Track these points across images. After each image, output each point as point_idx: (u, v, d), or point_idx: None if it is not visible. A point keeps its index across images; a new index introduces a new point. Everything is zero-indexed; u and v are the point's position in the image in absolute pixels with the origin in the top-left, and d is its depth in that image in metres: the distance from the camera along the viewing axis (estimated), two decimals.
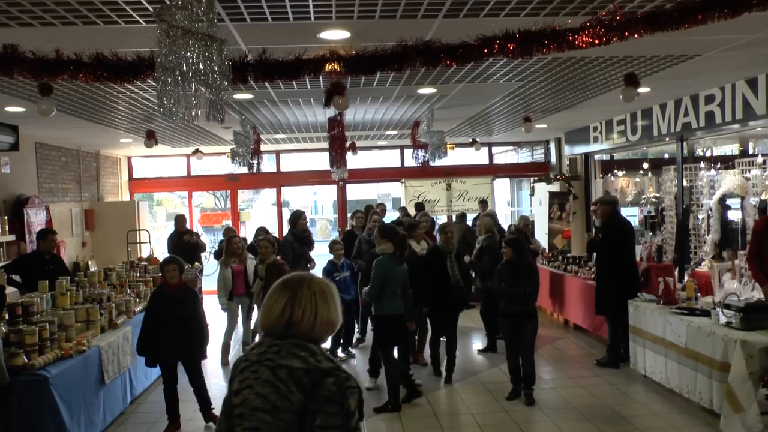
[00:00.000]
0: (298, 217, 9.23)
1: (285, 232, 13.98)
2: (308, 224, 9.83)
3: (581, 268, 9.70)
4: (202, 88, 3.20)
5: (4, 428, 5.06)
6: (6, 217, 9.22)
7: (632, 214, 13.76)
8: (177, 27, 3.06)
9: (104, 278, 8.20)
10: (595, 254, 8.51)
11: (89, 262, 12.06)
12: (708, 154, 11.84)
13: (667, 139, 10.02)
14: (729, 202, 9.25)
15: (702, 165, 9.80)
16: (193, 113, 3.23)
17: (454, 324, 7.62)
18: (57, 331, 5.78)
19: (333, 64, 4.57)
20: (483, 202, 13.51)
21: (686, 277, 8.49)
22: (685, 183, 9.94)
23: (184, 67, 3.09)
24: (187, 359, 6.05)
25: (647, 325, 6.94)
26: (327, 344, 8.41)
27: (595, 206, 8.41)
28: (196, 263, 10.60)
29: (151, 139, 10.30)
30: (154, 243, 13.97)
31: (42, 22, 4.61)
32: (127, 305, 7.30)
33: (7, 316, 5.84)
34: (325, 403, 2.07)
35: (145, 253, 12.88)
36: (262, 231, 9.75)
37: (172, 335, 5.85)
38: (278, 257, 8.02)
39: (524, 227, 10.22)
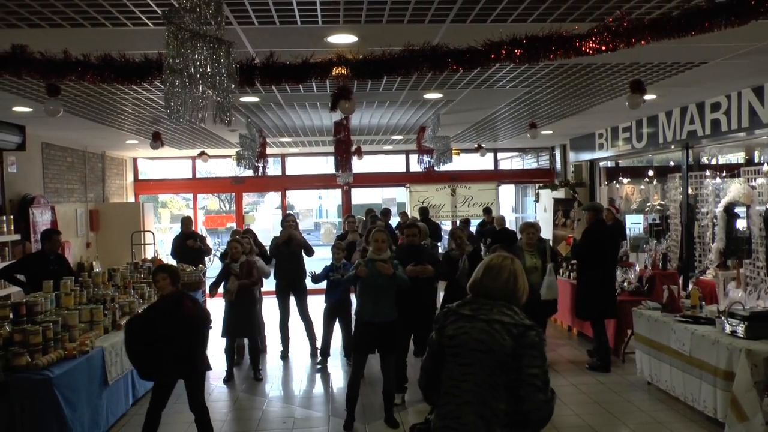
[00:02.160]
0: (284, 220, 9.25)
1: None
2: (311, 228, 9.82)
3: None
4: (209, 91, 3.20)
5: (4, 428, 5.07)
6: (12, 217, 9.24)
7: (637, 222, 13.76)
8: (185, 30, 3.08)
9: (108, 279, 8.22)
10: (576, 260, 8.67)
11: (93, 263, 12.08)
12: (713, 162, 11.83)
13: (673, 146, 10.01)
14: (735, 210, 9.22)
15: (707, 173, 9.79)
16: (200, 116, 3.23)
17: None
18: (61, 331, 5.79)
19: (340, 68, 4.58)
20: (487, 210, 13.53)
21: (691, 285, 8.46)
22: (690, 191, 9.92)
23: (192, 70, 3.10)
24: (184, 377, 5.36)
25: (651, 333, 6.93)
26: (305, 356, 8.50)
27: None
28: (201, 266, 10.61)
29: (157, 140, 10.32)
30: (159, 244, 14.00)
31: (51, 24, 4.63)
32: (131, 306, 7.31)
33: (11, 315, 5.86)
34: (529, 348, 2.88)
35: (149, 255, 12.89)
36: (237, 232, 9.78)
37: (163, 350, 5.16)
38: (250, 256, 8.20)
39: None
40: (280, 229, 9.11)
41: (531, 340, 2.88)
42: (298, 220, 9.81)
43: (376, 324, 6.11)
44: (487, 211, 13.57)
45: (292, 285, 8.89)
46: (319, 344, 8.65)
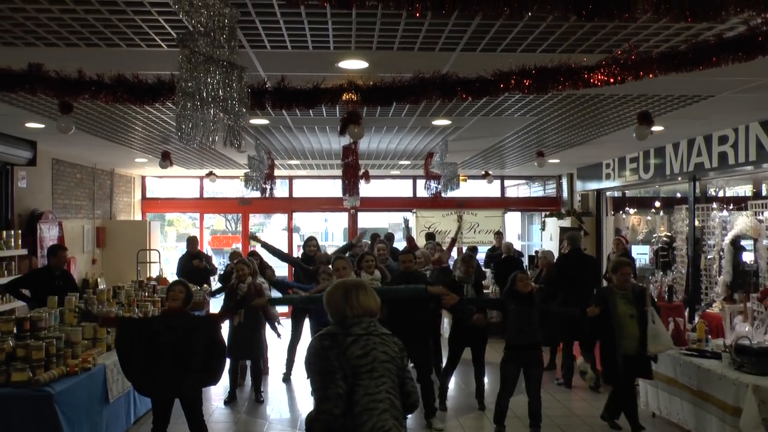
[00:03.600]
0: (306, 243, 9.32)
1: (295, 256, 14.02)
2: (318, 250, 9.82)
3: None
4: (221, 114, 3.24)
5: None
6: (19, 232, 9.30)
7: (643, 253, 13.70)
8: (199, 53, 3.12)
9: (113, 296, 8.23)
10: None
11: (98, 280, 12.11)
12: (721, 194, 11.81)
13: (680, 178, 10.02)
14: (742, 243, 9.19)
15: (714, 205, 9.77)
16: (210, 139, 3.27)
17: (480, 354, 7.66)
18: (64, 347, 5.79)
19: (350, 93, 4.63)
20: (499, 234, 13.50)
21: (697, 318, 8.41)
22: (696, 223, 9.90)
23: (204, 93, 3.14)
24: (183, 395, 5.33)
25: (658, 366, 6.87)
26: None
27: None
28: (205, 286, 10.61)
29: (166, 160, 10.40)
30: (164, 263, 14.02)
31: (67, 43, 4.70)
32: None
33: (15, 330, 5.87)
34: (403, 351, 3.48)
35: (154, 273, 12.91)
36: (236, 255, 9.79)
37: (167, 366, 5.14)
38: (258, 279, 8.13)
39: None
40: (301, 251, 9.24)
41: (399, 345, 3.48)
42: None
43: None
44: (498, 234, 13.50)
45: (308, 307, 8.81)
46: None
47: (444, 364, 7.97)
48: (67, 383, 5.40)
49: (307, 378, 3.54)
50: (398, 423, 3.26)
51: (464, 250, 14.32)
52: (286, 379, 9.01)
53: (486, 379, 7.96)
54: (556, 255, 13.34)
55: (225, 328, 8.10)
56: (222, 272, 9.49)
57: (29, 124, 8.08)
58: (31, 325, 5.87)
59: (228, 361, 7.91)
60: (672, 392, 6.63)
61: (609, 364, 6.41)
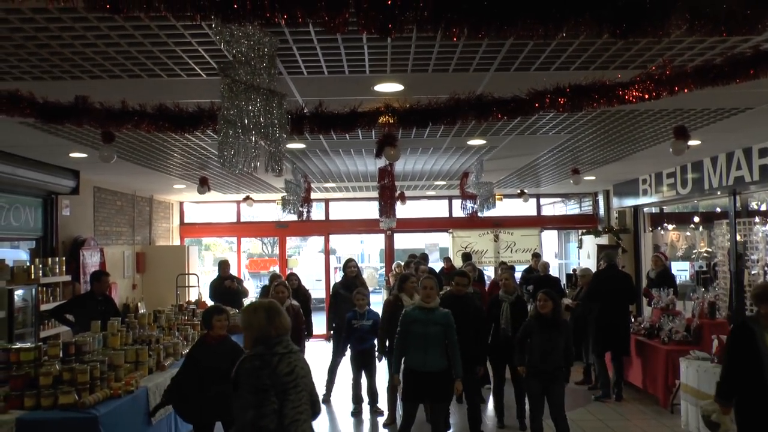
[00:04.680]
0: (346, 265, 9.38)
1: (331, 278, 14.09)
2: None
3: (631, 323, 9.48)
4: (262, 141, 3.32)
5: None
6: (63, 258, 9.54)
7: (683, 269, 13.46)
8: (240, 82, 3.21)
9: (153, 320, 8.37)
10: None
11: (139, 304, 12.32)
12: (763, 207, 11.56)
13: (719, 192, 9.85)
14: None
15: (757, 219, 9.57)
16: (252, 165, 3.34)
17: (517, 374, 7.50)
18: (107, 370, 5.90)
19: (387, 116, 4.69)
20: (536, 255, 13.41)
21: None
22: (738, 238, 9.71)
23: (245, 120, 3.23)
24: (224, 418, 5.38)
25: (700, 384, 6.74)
26: (348, 401, 8.46)
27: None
28: (239, 310, 10.70)
29: (204, 185, 10.59)
30: (203, 287, 14.20)
31: (110, 75, 4.86)
32: (175, 347, 7.41)
33: (61, 354, 6.02)
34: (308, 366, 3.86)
35: (193, 297, 13.09)
36: (276, 276, 9.87)
37: (213, 391, 5.22)
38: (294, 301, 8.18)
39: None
40: (342, 273, 9.28)
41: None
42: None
43: (426, 374, 5.95)
44: (535, 255, 13.39)
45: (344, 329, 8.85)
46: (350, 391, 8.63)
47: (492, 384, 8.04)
48: (111, 405, 5.49)
49: (237, 393, 3.64)
50: (313, 430, 3.80)
51: (500, 271, 14.28)
52: (326, 400, 9.02)
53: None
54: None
55: None
56: (258, 294, 9.57)
57: (73, 154, 8.33)
58: (76, 350, 6.02)
59: None
60: None
61: (752, 411, 4.92)
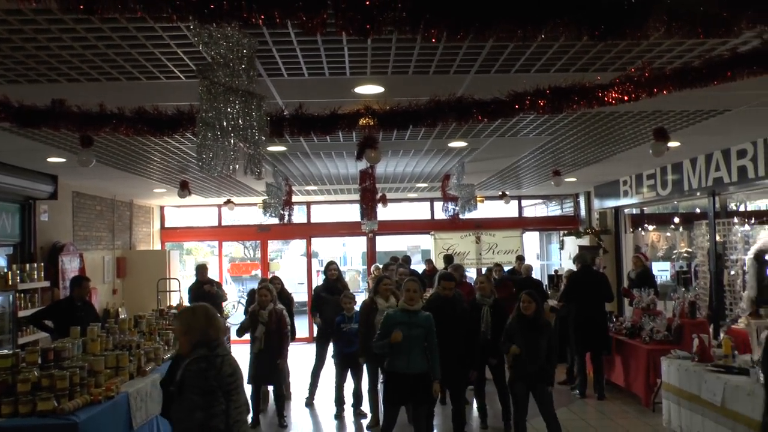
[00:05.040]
0: (327, 267, 9.35)
1: (314, 281, 14.01)
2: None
3: (612, 323, 9.55)
4: (241, 143, 3.29)
5: None
6: (42, 264, 9.41)
7: (664, 269, 13.59)
8: (218, 84, 3.18)
9: (134, 325, 8.28)
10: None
11: (119, 309, 12.19)
12: (741, 208, 11.69)
13: (699, 193, 9.95)
14: (766, 258, 9.07)
15: (736, 220, 9.68)
16: (231, 168, 3.31)
17: (500, 376, 7.59)
18: (87, 376, 5.82)
19: (367, 119, 4.68)
20: (520, 258, 13.45)
21: (722, 335, 8.30)
22: (718, 238, 9.81)
23: (224, 123, 3.20)
24: None
25: (681, 383, 6.79)
26: (331, 404, 8.42)
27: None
28: (225, 313, 10.64)
29: (184, 189, 10.51)
30: (184, 291, 14.09)
31: (88, 78, 4.80)
32: (156, 352, 7.33)
33: (40, 361, 5.93)
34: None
35: (174, 302, 12.98)
36: (262, 281, 9.81)
37: None
38: (278, 305, 8.11)
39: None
40: (323, 277, 9.25)
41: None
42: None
43: (409, 376, 5.96)
44: (519, 258, 13.39)
45: (333, 332, 8.78)
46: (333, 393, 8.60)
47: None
48: (91, 411, 5.41)
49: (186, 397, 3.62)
50: (249, 428, 3.96)
51: (483, 271, 14.31)
52: (309, 403, 8.99)
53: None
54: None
55: (246, 354, 8.13)
56: (247, 298, 9.50)
57: (50, 159, 8.23)
58: (55, 356, 5.93)
59: (250, 387, 7.96)
60: (694, 409, 6.54)
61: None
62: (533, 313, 6.30)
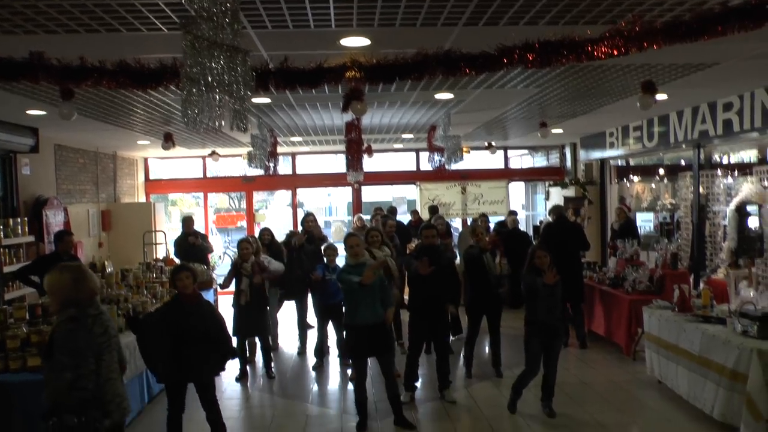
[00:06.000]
0: (304, 219, 9.44)
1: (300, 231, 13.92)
2: (321, 225, 9.82)
3: (596, 274, 9.68)
4: (226, 98, 3.24)
5: (19, 429, 5.14)
6: (26, 219, 9.33)
7: (647, 220, 13.72)
8: (202, 38, 3.11)
9: (121, 279, 8.30)
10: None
11: (105, 263, 12.16)
12: (725, 160, 11.77)
13: (684, 146, 9.98)
14: (747, 209, 9.19)
15: (719, 172, 9.76)
16: (217, 123, 3.27)
17: (496, 323, 7.84)
18: None
19: (353, 72, 4.61)
20: (512, 213, 13.45)
21: (702, 285, 8.46)
22: (701, 190, 9.89)
23: (209, 78, 3.14)
24: (199, 379, 5.39)
25: (661, 332, 6.95)
26: (311, 354, 8.55)
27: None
28: (211, 264, 10.66)
29: (168, 141, 10.39)
30: (170, 244, 14.08)
31: (67, 29, 4.67)
32: (144, 306, 7.38)
33: (27, 317, 5.94)
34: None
35: (161, 254, 12.98)
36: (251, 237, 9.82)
37: (187, 352, 5.18)
38: (258, 256, 8.17)
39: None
40: (300, 228, 9.25)
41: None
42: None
43: (373, 326, 6.09)
44: (512, 213, 13.36)
45: (309, 283, 8.84)
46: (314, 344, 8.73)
47: (466, 333, 8.17)
48: None
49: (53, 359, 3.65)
50: (123, 387, 3.96)
51: (469, 222, 14.40)
52: (301, 353, 9.12)
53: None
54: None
55: (231, 307, 8.20)
56: (284, 239, 9.51)
57: (30, 111, 8.07)
58: (43, 311, 5.96)
59: (236, 339, 8.04)
60: (670, 358, 6.72)
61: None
62: (548, 266, 6.33)
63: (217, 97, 3.28)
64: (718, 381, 5.79)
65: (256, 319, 7.97)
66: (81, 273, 3.84)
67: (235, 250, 8.96)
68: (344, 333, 6.80)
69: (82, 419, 3.52)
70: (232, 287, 8.14)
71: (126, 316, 6.35)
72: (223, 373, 6.98)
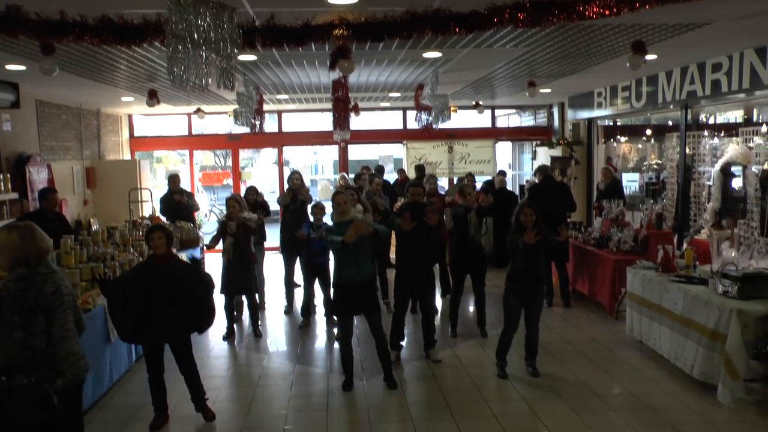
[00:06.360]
0: (290, 177, 9.37)
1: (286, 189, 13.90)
2: (307, 184, 9.79)
3: (581, 234, 9.75)
4: (213, 56, 3.19)
5: None
6: (8, 175, 9.21)
7: (633, 180, 13.81)
8: None
9: (107, 237, 8.26)
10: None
11: (91, 220, 12.10)
12: (711, 120, 11.80)
13: (672, 106, 9.98)
14: (732, 170, 9.26)
15: (705, 133, 9.79)
16: (203, 81, 3.22)
17: (481, 282, 7.89)
18: None
19: (341, 30, 4.54)
20: (502, 173, 13.45)
21: (685, 245, 8.56)
22: (687, 150, 9.94)
23: (195, 35, 3.08)
24: (171, 340, 5.39)
25: (645, 292, 7.04)
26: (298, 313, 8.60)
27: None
28: (198, 222, 10.63)
29: (153, 98, 10.24)
30: (156, 202, 14.00)
31: None
32: (131, 264, 7.34)
33: None
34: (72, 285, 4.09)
35: (146, 212, 12.91)
36: (253, 189, 9.77)
37: (158, 312, 5.15)
38: (244, 214, 8.14)
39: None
40: (286, 186, 9.24)
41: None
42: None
43: (359, 284, 6.11)
44: (501, 173, 13.31)
45: (297, 241, 8.83)
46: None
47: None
48: None
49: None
50: (80, 346, 3.89)
51: (455, 181, 14.39)
52: (288, 312, 9.18)
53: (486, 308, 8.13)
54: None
55: (218, 265, 8.21)
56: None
57: (10, 66, 7.89)
58: None
59: (223, 297, 8.08)
60: (653, 317, 6.82)
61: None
62: (533, 225, 6.33)
63: (204, 54, 3.23)
64: (698, 341, 5.91)
65: (242, 278, 7.99)
66: (30, 232, 3.77)
67: (222, 208, 8.95)
68: (331, 291, 6.83)
69: (32, 379, 3.47)
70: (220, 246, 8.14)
71: (98, 280, 6.29)
72: (210, 332, 7.07)
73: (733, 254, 6.95)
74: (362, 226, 5.98)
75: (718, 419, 5.33)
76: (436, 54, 7.94)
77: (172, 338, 5.37)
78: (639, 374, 6.51)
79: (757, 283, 5.75)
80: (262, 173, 25.80)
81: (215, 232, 8.22)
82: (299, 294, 9.23)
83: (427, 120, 10.93)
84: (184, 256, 8.17)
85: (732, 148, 8.95)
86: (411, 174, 13.74)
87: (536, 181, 9.99)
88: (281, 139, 15.85)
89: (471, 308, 8.84)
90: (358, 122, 13.60)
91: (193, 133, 15.81)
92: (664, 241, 8.09)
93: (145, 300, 5.12)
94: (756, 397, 5.73)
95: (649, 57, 7.66)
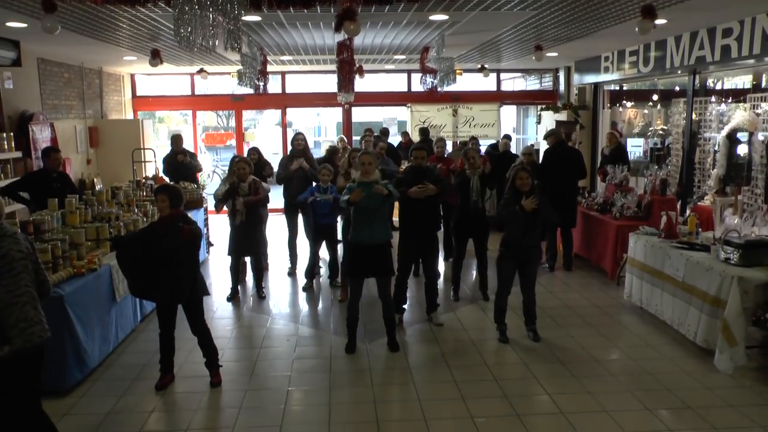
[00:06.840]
0: (294, 138, 9.29)
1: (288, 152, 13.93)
2: (309, 145, 9.69)
3: (585, 199, 9.75)
4: (220, 17, 3.16)
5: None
6: (11, 134, 9.20)
7: (637, 145, 13.73)
8: None
9: (111, 197, 8.28)
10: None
11: (95, 180, 12.12)
12: (719, 86, 11.67)
13: (680, 71, 9.88)
14: (737, 137, 9.19)
15: (713, 99, 9.70)
16: (210, 43, 3.20)
17: (483, 246, 7.92)
18: (68, 249, 5.86)
19: None
20: (507, 137, 13.34)
21: (688, 212, 8.56)
22: (694, 116, 9.86)
23: None
24: (180, 299, 5.44)
25: (647, 258, 7.07)
26: (301, 276, 8.62)
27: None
28: (193, 185, 10.56)
29: (156, 58, 10.16)
30: (159, 162, 13.99)
31: None
32: (135, 224, 7.37)
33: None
34: (33, 247, 3.87)
35: (150, 172, 12.91)
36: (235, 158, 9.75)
37: (165, 273, 5.22)
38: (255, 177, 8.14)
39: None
40: (290, 148, 9.21)
41: (30, 239, 3.95)
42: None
43: (372, 247, 6.14)
44: (506, 137, 13.19)
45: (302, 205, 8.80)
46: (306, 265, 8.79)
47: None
48: (75, 284, 5.51)
49: None
50: (37, 312, 3.71)
51: (458, 144, 14.34)
52: (291, 273, 9.24)
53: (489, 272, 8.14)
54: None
55: (226, 226, 8.22)
56: (229, 168, 9.45)
57: (11, 24, 7.80)
58: (35, 228, 5.94)
59: (229, 258, 8.13)
60: (655, 284, 6.86)
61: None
62: (529, 189, 6.31)
63: (210, 15, 3.20)
64: (701, 307, 5.95)
65: (251, 238, 8.00)
66: None
67: (224, 168, 8.92)
68: (339, 251, 6.81)
69: None
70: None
71: (109, 239, 6.32)
72: (214, 294, 7.12)
73: (736, 221, 6.95)
74: (379, 189, 6.02)
75: (715, 385, 5.39)
76: (443, 16, 7.85)
77: (181, 299, 5.41)
78: (639, 340, 6.57)
79: (759, 251, 5.77)
80: (266, 135, 25.70)
81: (223, 195, 8.10)
82: (302, 257, 9.26)
83: (432, 83, 10.86)
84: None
85: (739, 115, 8.88)
86: (415, 137, 13.69)
87: (548, 145, 9.83)
88: (284, 101, 15.76)
89: (473, 272, 8.89)
90: (362, 84, 13.46)
91: (196, 93, 15.72)
92: (667, 208, 8.09)
93: (153, 261, 5.16)
94: (754, 364, 5.80)
95: (659, 21, 7.57)
